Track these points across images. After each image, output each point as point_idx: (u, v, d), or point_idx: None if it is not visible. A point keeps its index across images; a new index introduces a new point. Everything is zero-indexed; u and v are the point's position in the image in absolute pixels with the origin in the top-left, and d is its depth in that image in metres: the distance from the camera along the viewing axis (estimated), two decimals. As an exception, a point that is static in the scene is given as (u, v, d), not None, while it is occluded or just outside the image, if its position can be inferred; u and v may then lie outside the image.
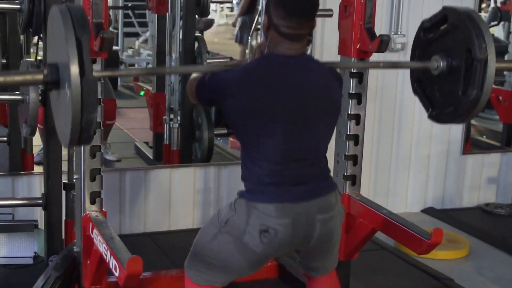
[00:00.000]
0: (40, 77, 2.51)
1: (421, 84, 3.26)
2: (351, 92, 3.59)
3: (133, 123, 7.73)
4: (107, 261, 2.91)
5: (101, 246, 3.00)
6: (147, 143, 6.49)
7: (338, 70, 3.15)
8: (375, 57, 3.64)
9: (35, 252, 4.41)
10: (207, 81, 2.90)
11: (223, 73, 2.88)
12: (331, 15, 4.04)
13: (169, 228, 5.11)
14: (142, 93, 7.73)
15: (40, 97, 3.76)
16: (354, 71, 3.60)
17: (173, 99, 5.90)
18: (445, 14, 3.11)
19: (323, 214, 2.85)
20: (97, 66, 3.14)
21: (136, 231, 5.02)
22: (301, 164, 2.84)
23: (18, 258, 4.39)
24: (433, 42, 3.18)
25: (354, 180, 3.69)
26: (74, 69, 2.36)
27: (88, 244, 3.25)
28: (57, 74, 2.50)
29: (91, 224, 3.19)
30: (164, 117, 5.89)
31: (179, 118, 5.76)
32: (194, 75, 3.03)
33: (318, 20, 2.99)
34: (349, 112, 3.61)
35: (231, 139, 6.35)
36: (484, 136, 7.31)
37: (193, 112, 5.67)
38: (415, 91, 3.30)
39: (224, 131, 5.76)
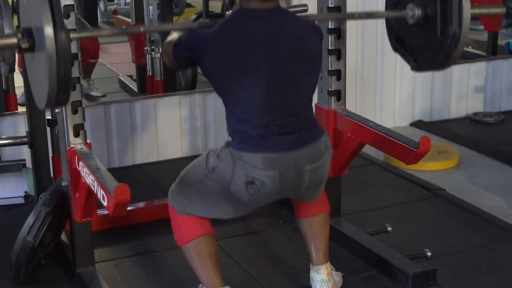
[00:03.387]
0: (14, 41, 2.54)
1: (400, 39, 3.29)
2: (330, 6, 3.53)
3: (116, 58, 7.67)
4: (95, 192, 2.88)
5: (88, 178, 2.98)
6: (130, 76, 6.45)
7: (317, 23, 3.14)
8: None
9: (25, 192, 4.40)
10: (183, 41, 2.87)
11: (200, 30, 2.86)
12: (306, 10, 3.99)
13: (158, 159, 5.10)
14: (124, 27, 7.65)
15: (15, 34, 3.70)
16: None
17: (153, 30, 5.85)
18: None
19: (312, 164, 2.83)
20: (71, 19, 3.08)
21: (125, 163, 5.02)
22: (285, 114, 2.79)
23: (9, 198, 4.39)
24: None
25: (339, 95, 3.66)
26: (49, 32, 2.39)
27: (75, 177, 3.22)
28: (32, 38, 2.52)
29: (76, 156, 3.16)
30: (145, 48, 5.84)
31: (160, 48, 5.70)
32: (169, 38, 2.99)
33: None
34: (329, 27, 3.56)
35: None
36: (470, 47, 7.26)
37: (174, 41, 5.60)
38: (395, 49, 3.32)
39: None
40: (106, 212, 2.83)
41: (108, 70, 7.19)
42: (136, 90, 6.11)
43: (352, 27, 4.83)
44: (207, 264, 3.01)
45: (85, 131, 3.27)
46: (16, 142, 4.11)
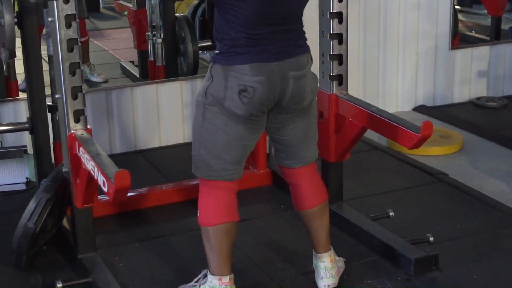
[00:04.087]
0: None
1: None
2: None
3: (118, 44, 7.66)
4: (96, 178, 2.88)
5: (89, 164, 2.96)
6: (132, 62, 6.42)
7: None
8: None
9: (27, 178, 4.40)
10: None
11: None
12: None
13: (160, 144, 5.08)
14: (126, 13, 7.64)
15: (15, 20, 3.68)
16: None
17: (154, 16, 5.81)
18: None
19: (296, 71, 2.92)
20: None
21: (127, 149, 5.00)
22: (276, 28, 2.87)
23: (11, 185, 4.38)
24: None
25: (341, 80, 3.63)
26: None
27: (76, 163, 3.21)
28: None
29: (77, 142, 3.15)
30: (147, 33, 5.82)
31: (161, 33, 5.68)
32: None
33: None
34: (331, 11, 3.53)
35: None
36: (473, 31, 7.24)
37: (176, 26, 5.58)
38: None
39: (209, 43, 5.70)
40: (107, 198, 2.82)
41: (110, 56, 7.18)
42: (137, 76, 6.09)
43: (354, 11, 4.81)
44: (222, 253, 3.00)
45: (86, 117, 3.26)
46: (17, 128, 4.10)
